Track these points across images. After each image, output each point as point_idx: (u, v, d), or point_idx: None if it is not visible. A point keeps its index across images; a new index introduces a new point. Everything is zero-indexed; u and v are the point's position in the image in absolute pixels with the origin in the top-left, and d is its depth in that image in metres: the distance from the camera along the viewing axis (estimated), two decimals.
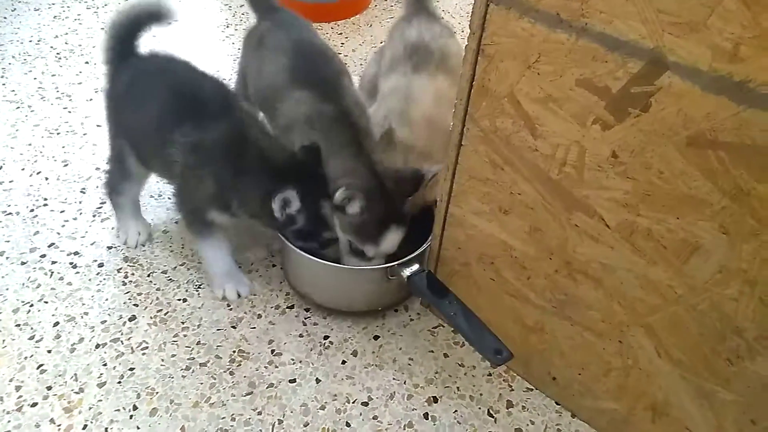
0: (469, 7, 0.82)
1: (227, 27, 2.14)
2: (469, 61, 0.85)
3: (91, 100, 1.73)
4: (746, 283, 0.73)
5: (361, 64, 1.95)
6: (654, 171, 0.73)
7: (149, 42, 1.26)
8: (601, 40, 0.70)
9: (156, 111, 1.15)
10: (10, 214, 1.38)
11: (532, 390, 1.11)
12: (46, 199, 1.42)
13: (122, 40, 1.21)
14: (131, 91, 1.19)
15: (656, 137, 0.71)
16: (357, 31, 2.20)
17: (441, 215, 1.06)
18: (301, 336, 1.18)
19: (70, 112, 1.68)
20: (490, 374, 1.13)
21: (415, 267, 1.11)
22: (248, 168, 1.09)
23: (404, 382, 1.11)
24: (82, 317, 1.18)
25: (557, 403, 1.09)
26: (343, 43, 2.12)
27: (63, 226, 1.36)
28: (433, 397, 1.09)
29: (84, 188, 1.45)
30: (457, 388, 1.11)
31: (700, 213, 0.72)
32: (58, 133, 1.61)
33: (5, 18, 2.05)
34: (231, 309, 1.22)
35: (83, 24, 2.06)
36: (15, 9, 2.11)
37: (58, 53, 1.91)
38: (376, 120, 1.27)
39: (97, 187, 1.45)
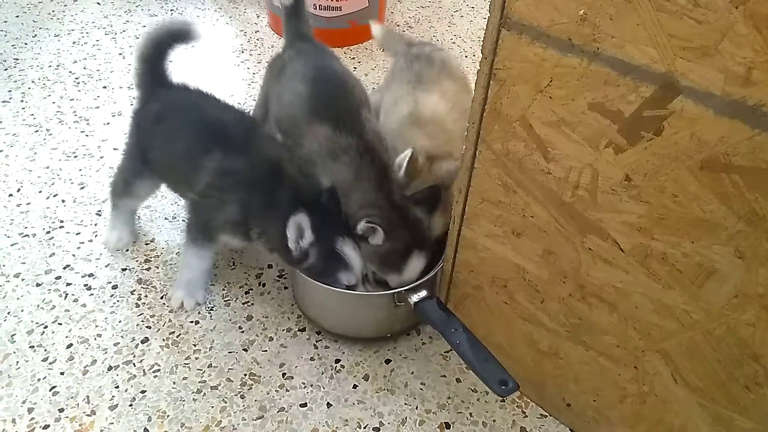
0: (481, 32, 0.83)
1: (242, 52, 2.17)
2: (482, 84, 0.86)
3: (108, 123, 1.76)
4: (763, 309, 0.71)
5: (373, 88, 1.97)
6: (668, 194, 0.73)
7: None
8: (612, 65, 0.70)
9: (185, 142, 1.18)
10: (27, 236, 1.39)
11: (546, 416, 1.10)
12: (62, 222, 1.44)
13: (152, 63, 1.25)
14: (160, 125, 1.23)
15: (670, 161, 0.71)
16: (369, 55, 2.22)
17: (453, 238, 1.06)
18: (312, 359, 1.18)
19: (87, 135, 1.71)
20: (503, 400, 1.12)
21: (423, 293, 1.10)
22: (275, 201, 1.10)
23: (416, 408, 1.10)
24: (95, 339, 1.19)
25: (572, 431, 1.08)
26: (355, 68, 2.14)
27: (78, 248, 1.38)
28: (445, 422, 1.08)
29: (100, 210, 1.46)
30: (470, 414, 1.10)
31: (715, 237, 0.71)
32: (75, 157, 1.63)
33: (26, 44, 2.10)
34: (243, 331, 1.22)
35: (101, 50, 2.11)
36: (36, 35, 2.16)
37: (76, 78, 1.95)
38: (385, 129, 1.28)
39: None
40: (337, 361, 1.18)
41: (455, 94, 1.36)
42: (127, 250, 1.37)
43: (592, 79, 0.73)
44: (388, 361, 1.18)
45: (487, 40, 0.81)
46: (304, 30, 1.43)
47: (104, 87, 1.92)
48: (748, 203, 0.67)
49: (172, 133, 1.21)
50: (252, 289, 1.31)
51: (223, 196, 1.13)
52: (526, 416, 1.10)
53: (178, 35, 1.23)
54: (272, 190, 1.11)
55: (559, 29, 0.73)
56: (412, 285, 1.11)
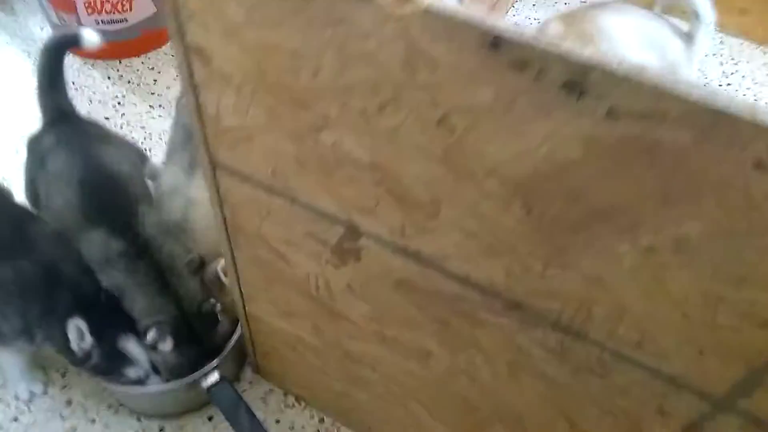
0: None
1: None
2: (217, 203, 0.91)
3: None
4: (466, 376, 0.87)
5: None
6: (381, 300, 0.84)
7: None
8: (309, 209, 0.78)
9: None
10: None
11: None
12: None
13: None
14: None
15: (373, 279, 0.81)
16: (170, 62, 2.13)
17: (241, 313, 1.14)
18: None
19: None
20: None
21: (216, 377, 1.16)
22: (54, 304, 1.10)
23: None
24: None
25: None
26: (155, 80, 2.07)
27: None
28: None
29: None
30: None
31: (422, 331, 0.85)
32: None
33: None
34: (64, 419, 1.25)
35: None
36: None
37: None
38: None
39: None
40: (162, 429, 1.25)
41: None
42: None
43: (299, 216, 0.81)
44: (210, 418, 1.27)
45: (206, 174, 0.86)
46: (64, 105, 1.32)
47: None
48: (435, 312, 0.80)
49: None
50: (68, 370, 1.32)
51: (2, 310, 1.11)
52: None
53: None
54: (50, 293, 1.11)
55: (259, 178, 0.79)
56: (202, 372, 1.16)
